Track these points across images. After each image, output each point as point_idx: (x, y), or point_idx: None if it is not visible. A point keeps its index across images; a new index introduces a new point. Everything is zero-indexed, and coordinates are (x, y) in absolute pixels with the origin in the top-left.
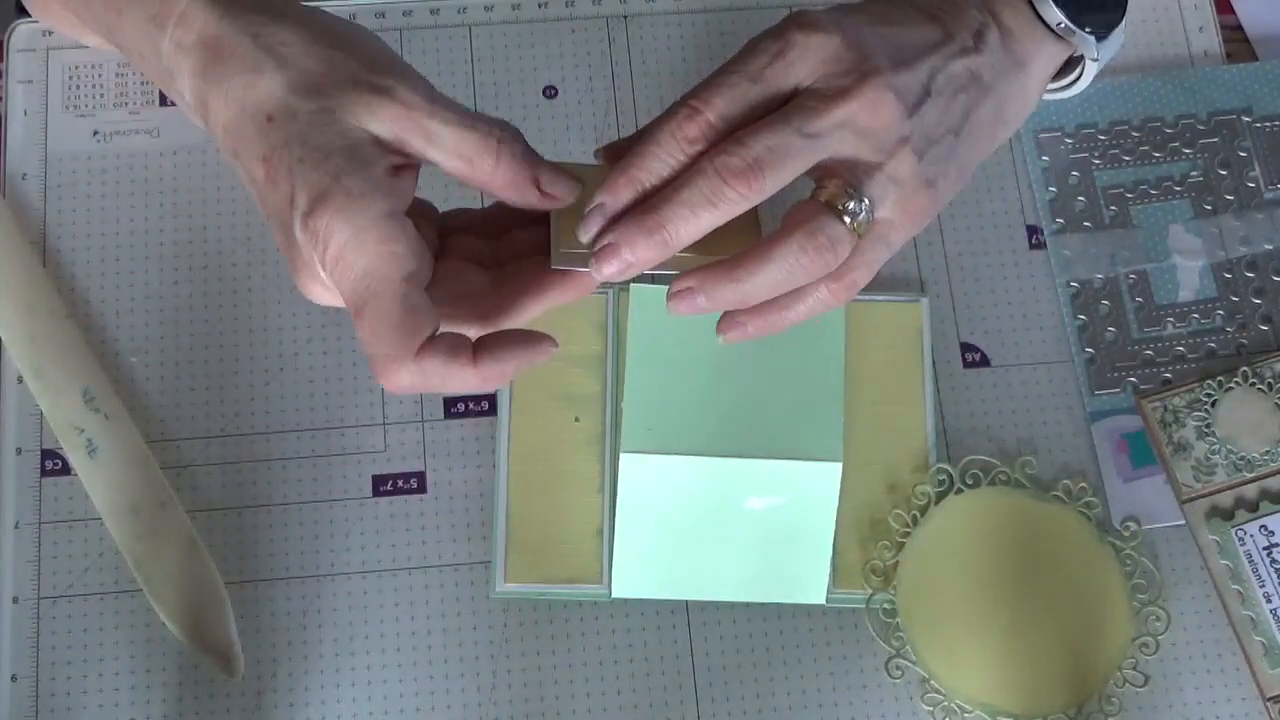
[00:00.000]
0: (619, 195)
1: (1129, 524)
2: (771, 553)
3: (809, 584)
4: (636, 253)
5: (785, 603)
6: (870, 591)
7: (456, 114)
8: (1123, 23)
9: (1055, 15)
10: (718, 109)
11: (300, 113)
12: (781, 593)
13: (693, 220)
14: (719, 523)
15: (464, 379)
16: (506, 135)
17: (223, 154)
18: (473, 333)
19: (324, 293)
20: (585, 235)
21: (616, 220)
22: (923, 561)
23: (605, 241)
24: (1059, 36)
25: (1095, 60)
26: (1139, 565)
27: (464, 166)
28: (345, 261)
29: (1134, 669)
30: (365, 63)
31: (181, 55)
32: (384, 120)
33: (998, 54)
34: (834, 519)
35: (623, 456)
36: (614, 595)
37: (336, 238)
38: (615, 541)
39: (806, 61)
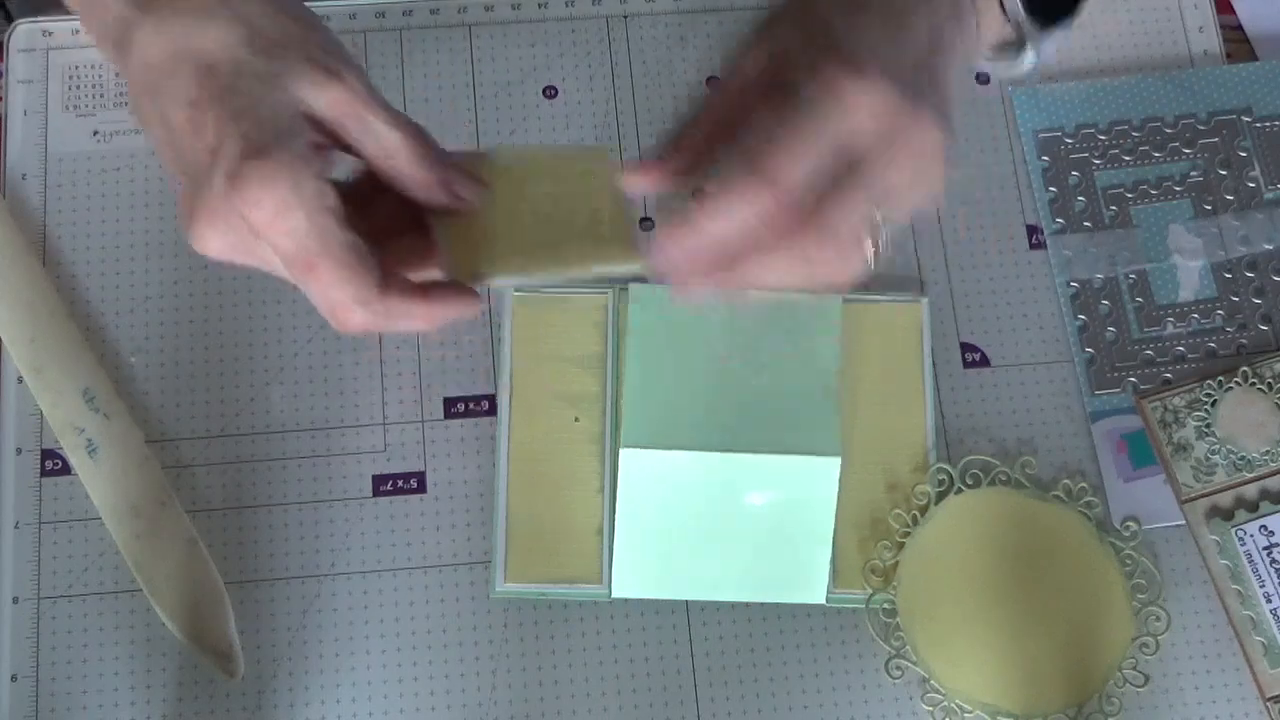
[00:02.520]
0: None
1: (1129, 524)
2: (772, 550)
3: (809, 583)
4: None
5: (785, 602)
6: (870, 591)
7: (388, 110)
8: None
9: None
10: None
11: (248, 70)
12: (781, 592)
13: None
14: (719, 519)
15: (422, 314)
16: (424, 136)
17: (130, 90)
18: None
19: (218, 241)
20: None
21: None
22: (923, 561)
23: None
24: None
25: (1034, 46)
26: (1139, 565)
27: (386, 159)
28: (285, 218)
29: (1134, 669)
30: (319, 44)
31: None
32: (328, 100)
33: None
34: (834, 514)
35: (623, 451)
36: (614, 595)
37: (274, 194)
38: (615, 540)
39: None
